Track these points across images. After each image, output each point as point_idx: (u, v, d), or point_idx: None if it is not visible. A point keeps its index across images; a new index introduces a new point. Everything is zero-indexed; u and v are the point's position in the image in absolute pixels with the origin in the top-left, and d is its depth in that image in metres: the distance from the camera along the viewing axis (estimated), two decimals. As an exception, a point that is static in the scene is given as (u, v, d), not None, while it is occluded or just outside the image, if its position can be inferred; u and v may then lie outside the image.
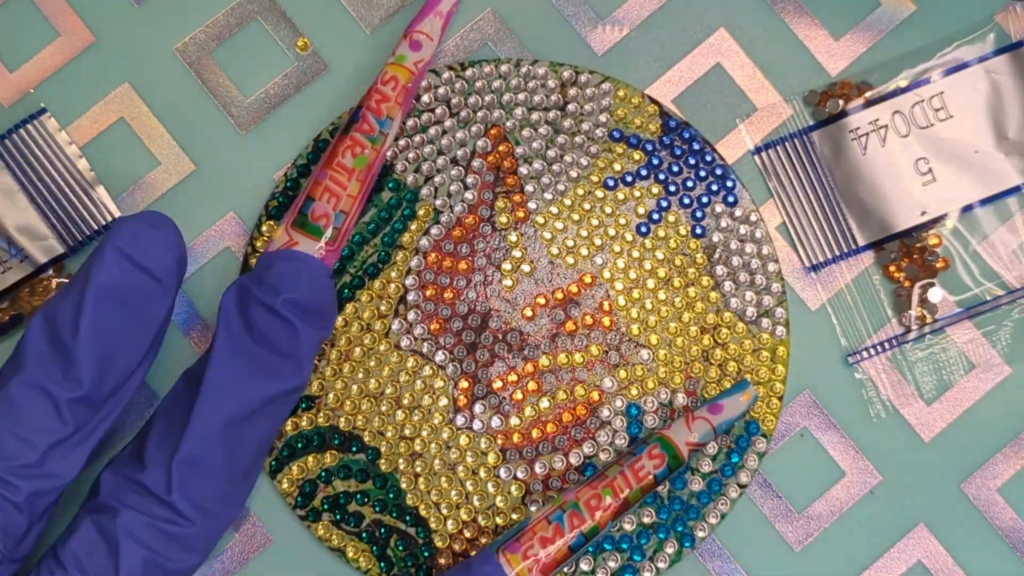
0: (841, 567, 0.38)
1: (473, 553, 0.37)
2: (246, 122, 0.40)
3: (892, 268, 0.39)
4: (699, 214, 0.39)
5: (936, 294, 0.38)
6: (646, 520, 0.37)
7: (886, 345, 0.38)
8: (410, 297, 0.38)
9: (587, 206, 0.39)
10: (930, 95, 0.39)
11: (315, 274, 0.34)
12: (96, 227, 0.38)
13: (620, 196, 0.39)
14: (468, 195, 0.39)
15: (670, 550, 0.37)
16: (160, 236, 0.33)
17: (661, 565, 0.37)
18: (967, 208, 0.39)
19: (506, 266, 0.38)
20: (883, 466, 0.38)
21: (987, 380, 0.38)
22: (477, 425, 0.38)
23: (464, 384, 0.38)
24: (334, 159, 0.36)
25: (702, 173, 0.39)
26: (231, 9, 0.40)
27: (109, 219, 0.39)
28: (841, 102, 0.39)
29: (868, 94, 0.39)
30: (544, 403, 0.38)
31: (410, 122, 0.39)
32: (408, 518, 0.37)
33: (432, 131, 0.39)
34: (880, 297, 0.39)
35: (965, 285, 0.39)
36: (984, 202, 0.39)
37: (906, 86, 0.39)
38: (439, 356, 0.38)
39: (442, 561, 0.37)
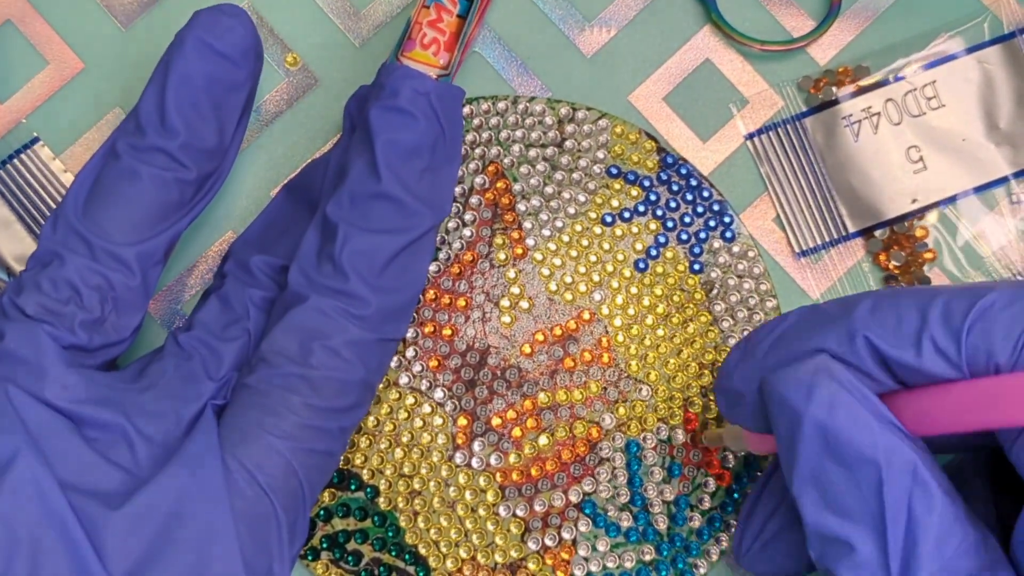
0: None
1: None
2: (240, 140, 0.40)
3: (882, 256, 0.39)
4: (697, 250, 0.39)
5: (924, 283, 0.39)
6: (647, 557, 0.37)
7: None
8: (408, 334, 0.38)
9: (585, 242, 0.39)
10: (923, 84, 0.39)
11: (438, 85, 0.34)
12: (97, 253, 0.39)
13: (618, 232, 0.39)
14: (466, 232, 0.39)
15: None
16: (235, 22, 0.33)
17: None
18: (956, 197, 0.39)
19: (504, 303, 0.38)
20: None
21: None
22: (476, 463, 0.38)
23: (463, 421, 0.38)
24: None
25: (699, 209, 0.39)
26: (218, 27, 0.40)
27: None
28: (834, 89, 0.39)
29: (861, 82, 0.39)
30: (543, 440, 0.38)
31: None
32: (407, 556, 0.37)
33: None
34: (869, 285, 0.39)
35: (953, 275, 0.39)
36: (974, 191, 0.39)
37: (899, 74, 0.39)
38: (438, 393, 0.38)
39: None
